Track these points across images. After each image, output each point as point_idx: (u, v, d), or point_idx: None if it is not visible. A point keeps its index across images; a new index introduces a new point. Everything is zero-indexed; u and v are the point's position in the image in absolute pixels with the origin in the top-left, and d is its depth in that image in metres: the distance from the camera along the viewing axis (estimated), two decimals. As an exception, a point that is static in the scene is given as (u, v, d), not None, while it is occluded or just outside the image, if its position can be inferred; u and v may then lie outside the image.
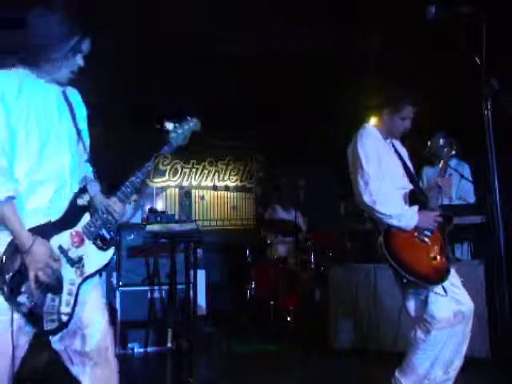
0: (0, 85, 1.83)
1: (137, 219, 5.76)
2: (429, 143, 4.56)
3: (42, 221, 1.87)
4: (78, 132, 2.05)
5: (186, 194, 7.08)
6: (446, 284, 2.60)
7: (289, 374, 3.94)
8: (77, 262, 1.92)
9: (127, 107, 6.02)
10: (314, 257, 5.62)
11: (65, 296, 1.87)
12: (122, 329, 4.55)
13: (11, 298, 1.76)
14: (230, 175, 7.61)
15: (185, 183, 7.28)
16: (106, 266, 2.03)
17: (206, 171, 7.45)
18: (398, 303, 2.84)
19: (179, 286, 4.35)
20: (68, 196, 1.97)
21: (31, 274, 1.78)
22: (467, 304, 2.67)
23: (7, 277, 1.76)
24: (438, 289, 2.58)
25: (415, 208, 2.71)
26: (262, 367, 4.14)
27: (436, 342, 2.60)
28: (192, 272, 4.05)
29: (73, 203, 1.97)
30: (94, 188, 2.08)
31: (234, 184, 7.64)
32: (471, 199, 4.57)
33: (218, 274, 6.77)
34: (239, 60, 5.65)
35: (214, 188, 7.47)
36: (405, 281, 2.58)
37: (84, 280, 1.94)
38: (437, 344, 2.60)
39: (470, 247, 4.35)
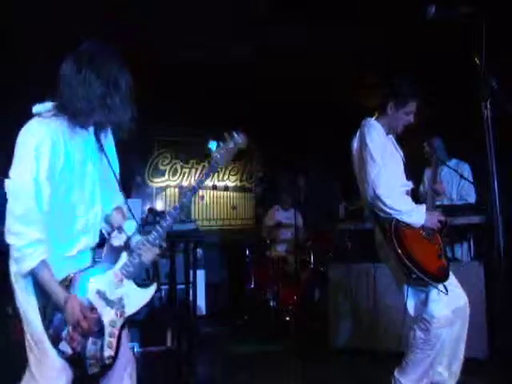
0: (52, 147, 1.80)
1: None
2: (426, 148, 4.57)
3: (81, 267, 1.91)
4: (112, 171, 2.04)
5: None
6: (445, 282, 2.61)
7: (289, 374, 3.94)
8: (116, 304, 1.91)
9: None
10: (314, 257, 5.62)
11: (107, 338, 1.87)
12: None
13: (53, 344, 1.79)
14: (229, 175, 7.61)
15: (185, 183, 7.28)
16: (148, 302, 2.02)
17: (205, 171, 7.44)
18: (398, 303, 2.84)
19: (179, 286, 4.35)
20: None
21: (69, 328, 1.81)
22: (462, 299, 2.68)
23: (49, 324, 1.80)
24: (440, 287, 2.59)
25: (423, 206, 2.73)
26: (262, 367, 4.14)
27: (435, 341, 2.60)
28: (192, 272, 4.05)
29: (109, 245, 1.97)
30: (131, 226, 2.06)
31: (233, 184, 7.64)
32: (472, 199, 4.57)
33: (218, 274, 6.76)
34: (239, 60, 5.66)
35: (214, 188, 7.46)
36: (414, 276, 2.57)
37: (126, 320, 1.94)
38: (436, 343, 2.61)
39: (470, 247, 4.35)
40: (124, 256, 1.96)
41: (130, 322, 4.94)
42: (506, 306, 2.86)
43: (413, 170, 3.03)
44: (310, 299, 5.52)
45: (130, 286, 1.95)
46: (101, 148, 2.00)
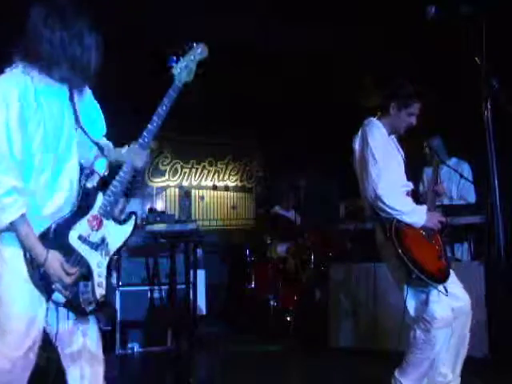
0: (19, 97, 1.78)
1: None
2: (426, 149, 4.56)
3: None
4: (83, 130, 2.01)
5: (185, 194, 7.08)
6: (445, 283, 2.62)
7: (289, 374, 3.94)
8: (100, 244, 1.95)
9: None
10: (314, 257, 5.61)
11: (96, 279, 1.92)
12: (121, 329, 4.55)
13: (47, 296, 1.83)
14: (229, 175, 7.61)
15: (185, 183, 7.28)
16: (130, 237, 2.04)
17: (205, 171, 7.45)
18: (398, 303, 2.84)
19: (179, 286, 4.35)
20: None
21: (54, 283, 1.83)
22: (464, 299, 2.68)
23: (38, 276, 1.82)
24: (440, 288, 2.59)
25: (424, 207, 2.73)
26: (262, 367, 4.14)
27: (436, 341, 2.60)
28: (192, 272, 4.05)
29: (83, 189, 1.96)
30: (102, 165, 2.05)
31: (233, 184, 7.63)
32: (472, 199, 4.57)
33: (218, 274, 6.76)
34: (239, 60, 5.66)
35: (214, 188, 7.46)
36: (414, 276, 2.57)
37: (111, 258, 1.97)
38: (436, 343, 2.60)
39: (470, 247, 4.35)
40: (99, 197, 1.97)
41: (131, 323, 4.96)
42: (506, 306, 2.86)
43: (412, 170, 3.03)
44: (310, 299, 5.51)
45: (109, 225, 1.98)
46: (72, 104, 1.97)
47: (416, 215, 2.66)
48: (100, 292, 1.92)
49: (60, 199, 1.92)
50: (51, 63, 1.83)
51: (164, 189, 7.16)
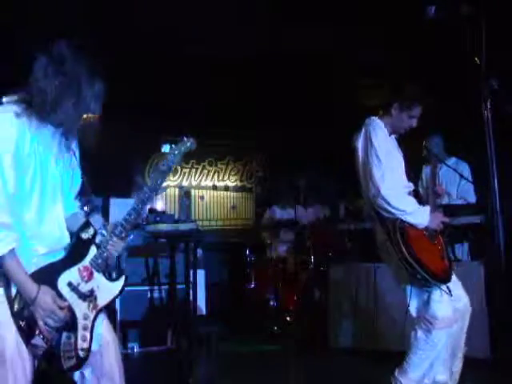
0: (15, 136, 1.79)
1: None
2: (424, 143, 4.54)
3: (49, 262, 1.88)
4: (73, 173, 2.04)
5: (185, 194, 7.07)
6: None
7: (289, 374, 3.94)
8: (89, 296, 1.92)
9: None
10: (314, 257, 5.61)
11: (80, 331, 1.87)
12: (121, 329, 4.55)
13: (26, 340, 1.77)
14: (229, 175, 7.61)
15: (184, 183, 7.28)
16: (118, 295, 2.03)
17: (205, 171, 7.45)
18: (398, 303, 2.84)
19: (179, 286, 4.35)
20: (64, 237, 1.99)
21: (40, 323, 1.79)
22: (464, 299, 2.68)
23: (20, 323, 1.77)
24: (444, 288, 2.59)
25: (428, 207, 2.72)
26: (262, 367, 4.14)
27: (437, 341, 2.60)
28: (192, 272, 4.05)
29: (78, 238, 1.97)
30: (98, 221, 2.06)
31: (233, 184, 7.64)
32: (471, 199, 4.56)
33: (218, 273, 6.76)
34: (239, 60, 5.66)
35: (214, 188, 7.46)
36: (419, 277, 2.57)
37: (98, 313, 1.94)
38: (437, 344, 2.61)
39: (470, 247, 4.35)
40: (93, 249, 1.97)
41: (130, 323, 4.97)
42: (506, 306, 2.86)
43: (412, 170, 3.02)
44: (310, 299, 5.51)
45: (100, 279, 1.96)
46: (68, 149, 1.98)
47: (420, 216, 2.66)
48: (82, 347, 1.86)
49: (49, 241, 1.91)
50: (48, 110, 1.83)
51: (164, 189, 7.16)
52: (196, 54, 5.48)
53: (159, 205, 6.95)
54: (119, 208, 5.86)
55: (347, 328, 4.33)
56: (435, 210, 2.87)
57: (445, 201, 4.48)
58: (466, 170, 4.54)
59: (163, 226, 4.10)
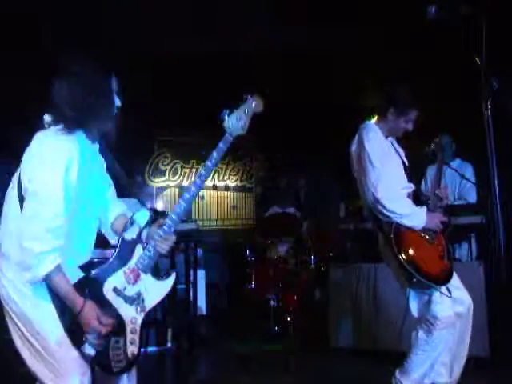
0: (71, 155, 1.82)
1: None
2: (433, 145, 4.52)
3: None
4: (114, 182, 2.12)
5: (186, 194, 7.07)
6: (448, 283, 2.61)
7: (289, 373, 3.94)
8: (136, 299, 1.88)
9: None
10: (314, 257, 5.61)
11: (129, 335, 1.86)
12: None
13: (77, 347, 1.77)
14: (229, 175, 7.61)
15: (185, 183, 7.28)
16: (168, 294, 1.97)
17: (205, 171, 7.45)
18: (398, 303, 2.84)
19: (179, 286, 4.35)
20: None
21: (86, 335, 1.79)
22: (466, 302, 2.68)
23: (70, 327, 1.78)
24: (443, 289, 2.59)
25: (424, 208, 2.72)
26: (262, 367, 4.14)
27: (438, 342, 2.60)
28: (192, 272, 4.05)
29: (122, 240, 1.94)
30: (144, 217, 2.01)
31: (233, 184, 7.63)
32: (472, 200, 4.56)
33: (218, 273, 6.76)
34: (239, 60, 5.66)
35: (214, 188, 7.46)
36: (414, 280, 2.57)
37: (146, 315, 1.91)
38: (438, 344, 2.61)
39: (470, 247, 4.34)
40: (139, 249, 1.93)
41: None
42: (506, 306, 2.86)
43: (414, 170, 3.03)
44: (311, 299, 5.51)
45: (147, 280, 1.92)
46: (102, 160, 2.07)
47: (416, 218, 2.66)
48: (132, 350, 1.85)
49: (89, 251, 1.95)
50: (85, 122, 1.88)
51: (164, 189, 7.17)
52: (195, 53, 5.48)
53: (159, 205, 6.96)
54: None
55: (347, 328, 4.33)
56: (437, 209, 2.86)
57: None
58: (469, 171, 4.53)
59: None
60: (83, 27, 4.57)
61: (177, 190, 7.20)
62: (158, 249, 1.93)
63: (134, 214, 1.99)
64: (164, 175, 7.17)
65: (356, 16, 4.82)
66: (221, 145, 2.06)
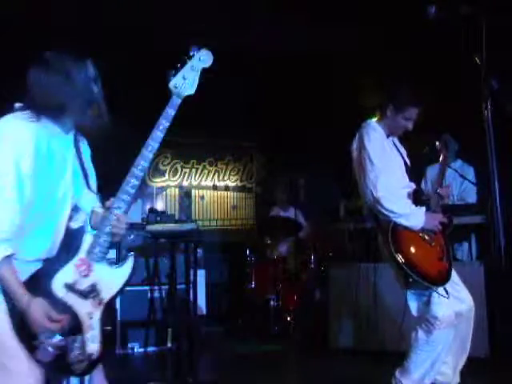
0: (32, 141, 1.73)
1: (137, 219, 5.75)
2: (437, 143, 4.51)
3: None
4: (85, 175, 1.95)
5: (186, 194, 7.08)
6: (446, 284, 2.61)
7: (289, 373, 3.94)
8: (90, 292, 1.74)
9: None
10: (314, 257, 5.62)
11: (87, 333, 1.71)
12: (122, 329, 4.55)
13: (29, 353, 1.65)
14: (229, 175, 7.61)
15: (185, 183, 7.28)
16: (127, 282, 1.83)
17: (205, 171, 7.45)
18: (398, 302, 2.84)
19: (179, 286, 4.35)
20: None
21: (39, 338, 1.67)
22: (467, 302, 2.68)
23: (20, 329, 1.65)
24: (441, 290, 2.58)
25: (423, 208, 2.71)
26: (262, 367, 4.14)
27: (438, 342, 2.60)
28: (192, 272, 4.05)
29: (67, 230, 1.80)
30: (91, 200, 1.88)
31: (234, 184, 7.63)
32: (472, 201, 4.55)
33: (218, 273, 6.76)
34: (239, 60, 5.65)
35: (214, 188, 7.46)
36: (411, 280, 2.56)
37: (105, 307, 1.77)
38: (438, 344, 2.61)
39: (470, 247, 4.34)
40: (87, 238, 1.76)
41: (131, 323, 4.96)
42: (506, 306, 2.86)
43: (413, 170, 3.02)
44: (311, 299, 5.51)
45: (101, 269, 1.75)
46: (78, 153, 1.92)
47: (414, 218, 2.65)
48: (92, 348, 1.70)
49: (51, 244, 1.80)
50: (55, 110, 1.79)
51: (164, 189, 7.17)
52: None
53: (159, 205, 6.96)
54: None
55: (347, 328, 4.33)
56: (438, 209, 2.86)
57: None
58: (470, 173, 4.53)
59: (163, 226, 4.10)
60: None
61: (177, 190, 7.21)
62: (114, 231, 1.76)
63: (78, 200, 1.86)
64: (164, 175, 7.17)
65: (356, 16, 4.82)
66: (168, 109, 1.86)
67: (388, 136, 2.85)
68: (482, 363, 3.47)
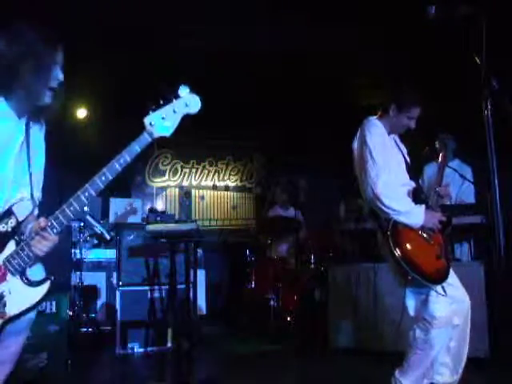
0: None
1: (137, 219, 5.76)
2: (436, 143, 4.51)
3: None
4: (30, 175, 1.82)
5: (186, 194, 7.08)
6: (444, 283, 2.61)
7: (289, 374, 3.94)
8: None
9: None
10: (314, 257, 5.62)
11: None
12: (121, 329, 4.55)
13: None
14: (229, 175, 7.61)
15: (185, 183, 7.28)
16: (37, 305, 1.67)
17: (205, 171, 7.45)
18: (398, 303, 2.84)
19: (179, 286, 4.35)
20: None
21: None
22: (464, 301, 2.68)
23: None
24: (439, 288, 2.59)
25: (423, 206, 2.72)
26: (262, 367, 4.14)
27: (436, 341, 2.60)
28: (192, 272, 4.05)
29: None
30: (25, 209, 1.72)
31: (233, 184, 7.64)
32: (470, 200, 4.55)
33: (218, 273, 6.77)
34: (239, 59, 5.66)
35: (214, 188, 7.47)
36: (410, 277, 2.56)
37: (6, 323, 1.62)
38: (436, 343, 2.61)
39: (470, 247, 4.35)
40: (11, 245, 1.65)
41: (131, 323, 4.96)
42: (506, 306, 2.86)
43: (414, 169, 3.02)
44: (310, 299, 5.52)
45: (14, 282, 1.63)
46: (26, 139, 1.81)
47: (414, 216, 2.65)
48: None
49: None
50: (7, 81, 1.69)
51: (164, 189, 7.17)
52: (194, 52, 5.48)
53: (159, 205, 6.96)
54: (119, 208, 5.87)
55: (347, 328, 4.33)
56: (437, 208, 2.86)
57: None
58: (468, 172, 4.53)
59: (163, 226, 4.10)
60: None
61: (177, 190, 7.21)
62: (33, 249, 1.64)
63: (13, 205, 1.71)
64: (164, 175, 7.18)
65: (356, 16, 4.82)
66: (135, 145, 1.70)
67: (389, 134, 2.85)
68: (481, 363, 3.47)
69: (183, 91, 1.73)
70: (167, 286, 4.70)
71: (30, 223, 1.70)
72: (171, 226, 4.11)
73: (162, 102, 1.73)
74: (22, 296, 1.64)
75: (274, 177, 7.35)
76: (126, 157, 1.68)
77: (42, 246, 1.64)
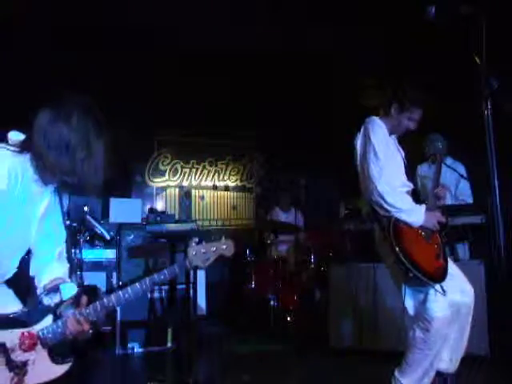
0: (18, 170, 1.70)
1: (137, 219, 5.75)
2: (427, 147, 4.53)
3: None
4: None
5: (186, 194, 7.08)
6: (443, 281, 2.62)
7: (289, 374, 3.93)
8: (17, 368, 1.63)
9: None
10: (314, 257, 5.62)
11: None
12: (121, 329, 4.55)
13: None
14: (229, 175, 7.61)
15: (185, 183, 7.28)
16: (55, 380, 1.72)
17: (205, 171, 7.45)
18: (398, 303, 2.84)
19: (179, 286, 4.35)
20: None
21: None
22: (469, 293, 2.68)
23: None
24: (438, 287, 2.59)
25: (423, 206, 2.72)
26: (262, 367, 4.14)
27: (435, 340, 2.60)
28: (192, 272, 4.05)
29: (39, 301, 1.76)
30: (71, 290, 1.81)
31: (233, 184, 7.64)
32: (470, 200, 4.56)
33: (218, 273, 6.76)
34: (239, 61, 5.66)
35: (214, 188, 7.46)
36: (411, 275, 2.56)
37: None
38: (436, 342, 2.60)
39: (470, 247, 4.34)
40: (49, 319, 1.72)
41: (131, 323, 4.96)
42: (506, 306, 2.86)
43: (412, 170, 3.03)
44: (311, 299, 5.52)
45: (40, 354, 1.68)
46: (60, 201, 1.87)
47: (415, 214, 2.66)
48: None
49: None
50: (48, 166, 1.69)
51: (164, 189, 7.17)
52: (194, 53, 5.48)
53: (159, 205, 6.96)
54: (119, 208, 5.87)
55: (347, 328, 4.33)
56: (436, 209, 2.86)
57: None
58: (462, 170, 4.54)
59: (163, 226, 4.10)
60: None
61: (177, 190, 7.21)
62: (66, 330, 1.70)
63: (60, 284, 1.81)
64: (164, 175, 7.17)
65: (356, 16, 4.82)
66: (176, 268, 1.84)
67: (389, 134, 2.85)
68: (482, 361, 3.47)
69: (224, 239, 1.88)
70: (167, 286, 4.71)
71: (70, 308, 1.75)
72: (171, 226, 4.11)
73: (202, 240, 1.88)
74: (43, 369, 1.69)
75: (274, 176, 7.36)
76: (167, 276, 1.82)
77: (72, 328, 1.70)
